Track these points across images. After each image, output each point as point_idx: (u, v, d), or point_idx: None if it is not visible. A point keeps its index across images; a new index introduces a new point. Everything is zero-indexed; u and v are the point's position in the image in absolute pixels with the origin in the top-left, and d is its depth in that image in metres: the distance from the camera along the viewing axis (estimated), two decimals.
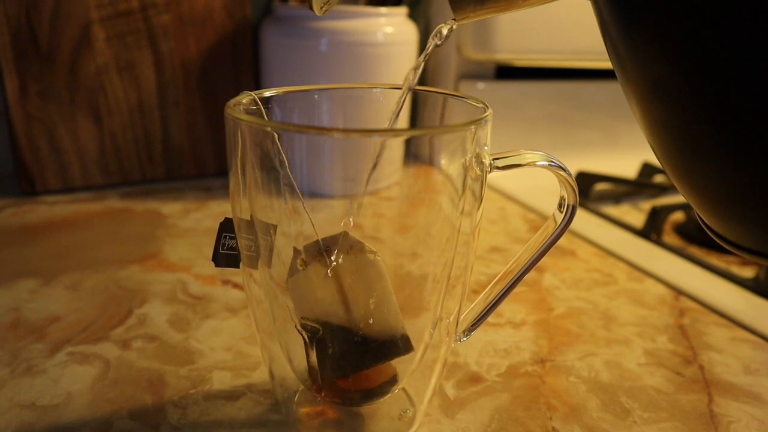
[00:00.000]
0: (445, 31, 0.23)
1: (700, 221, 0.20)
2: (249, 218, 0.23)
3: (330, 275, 0.24)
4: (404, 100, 0.25)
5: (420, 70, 0.24)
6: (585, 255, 0.48)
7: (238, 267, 0.25)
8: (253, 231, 0.23)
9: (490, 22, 0.62)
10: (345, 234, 0.24)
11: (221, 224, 0.25)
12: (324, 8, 0.26)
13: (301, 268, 0.23)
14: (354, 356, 0.25)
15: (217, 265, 0.26)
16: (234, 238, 0.24)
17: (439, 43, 0.24)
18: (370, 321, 0.25)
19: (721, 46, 0.15)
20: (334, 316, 0.24)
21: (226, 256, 0.25)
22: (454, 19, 0.23)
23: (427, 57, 0.24)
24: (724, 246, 0.20)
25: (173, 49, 0.57)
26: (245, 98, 0.24)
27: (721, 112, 0.16)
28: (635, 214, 0.61)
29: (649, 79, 0.17)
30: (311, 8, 0.26)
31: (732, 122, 0.16)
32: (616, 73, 0.20)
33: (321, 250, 0.23)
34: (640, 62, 0.17)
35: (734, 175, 0.17)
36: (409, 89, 0.24)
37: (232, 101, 0.23)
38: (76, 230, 0.49)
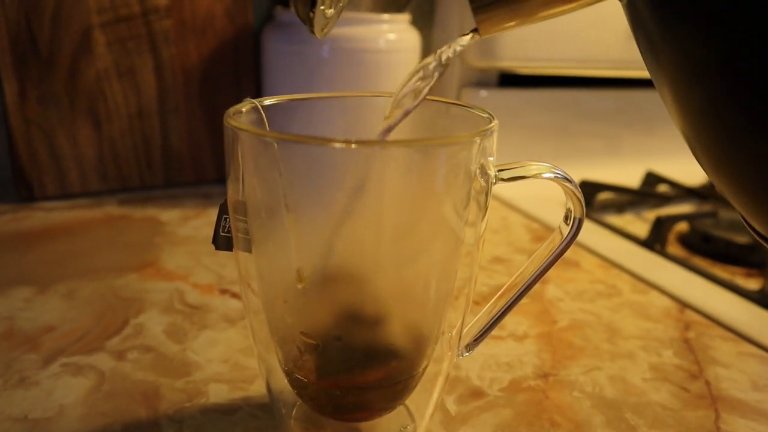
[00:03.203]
0: (464, 43, 0.23)
1: (742, 219, 0.20)
2: (243, 199, 0.22)
3: (330, 294, 0.23)
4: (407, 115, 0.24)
5: (428, 88, 0.23)
6: (588, 266, 0.47)
7: (248, 251, 0.24)
8: (246, 213, 0.22)
9: None
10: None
11: (221, 206, 0.24)
12: (325, 30, 0.25)
13: (300, 286, 0.22)
14: (354, 372, 0.24)
15: (217, 248, 0.25)
16: (243, 220, 0.23)
17: (452, 55, 0.23)
18: (372, 338, 0.24)
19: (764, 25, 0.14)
20: (334, 332, 0.24)
21: (226, 239, 0.24)
22: (476, 30, 0.22)
23: (441, 72, 0.23)
24: (764, 244, 0.19)
25: (174, 54, 0.57)
26: (246, 106, 0.24)
27: (765, 94, 0.15)
28: (639, 224, 0.60)
29: (685, 63, 0.17)
30: (312, 32, 0.25)
31: None
32: (645, 61, 0.19)
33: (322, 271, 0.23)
34: (676, 46, 0.17)
35: None
36: (414, 106, 0.24)
37: (232, 109, 0.22)
38: (73, 237, 0.48)
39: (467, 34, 0.22)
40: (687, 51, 0.16)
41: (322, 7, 0.24)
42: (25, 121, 0.53)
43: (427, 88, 0.23)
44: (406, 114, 0.23)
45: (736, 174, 0.18)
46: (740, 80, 0.15)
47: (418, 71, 0.23)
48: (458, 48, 0.23)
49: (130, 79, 0.56)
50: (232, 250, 0.25)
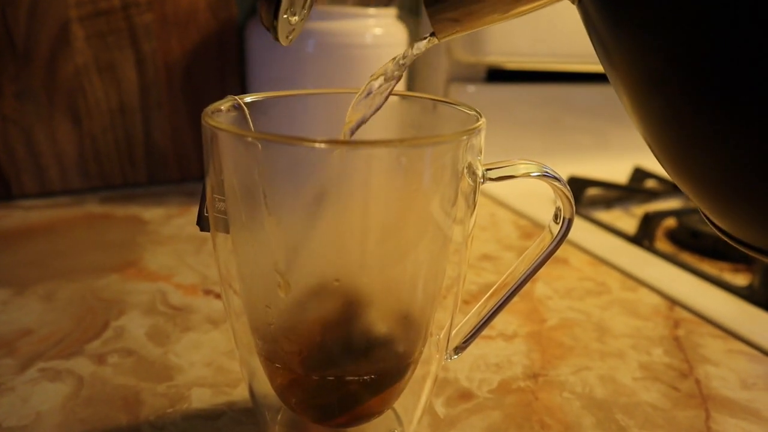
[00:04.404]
0: (422, 47, 0.22)
1: (704, 217, 0.19)
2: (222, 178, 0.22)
3: (314, 299, 0.22)
4: (376, 110, 0.24)
5: (395, 83, 0.23)
6: (577, 263, 0.47)
7: (226, 232, 0.24)
8: (224, 192, 0.22)
9: None
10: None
11: (204, 186, 0.23)
12: (290, 37, 0.25)
13: (283, 295, 0.21)
14: (338, 370, 0.24)
15: (202, 230, 0.24)
16: (221, 200, 0.23)
17: (413, 55, 0.23)
18: (358, 341, 0.23)
19: (716, 34, 0.14)
20: (319, 337, 0.23)
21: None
22: (433, 34, 0.21)
23: (401, 71, 0.23)
24: (729, 242, 0.19)
25: (156, 49, 0.55)
26: (225, 104, 0.23)
27: (721, 100, 0.15)
28: (627, 219, 0.60)
29: (640, 72, 0.16)
30: (277, 39, 0.24)
31: (733, 111, 0.15)
32: (604, 68, 0.19)
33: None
34: (627, 50, 0.16)
35: (734, 164, 0.16)
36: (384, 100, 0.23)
37: (210, 108, 0.22)
38: (53, 237, 0.47)
39: (424, 38, 0.22)
40: (639, 55, 0.16)
41: (285, 15, 0.24)
42: (2, 118, 0.52)
43: (388, 92, 0.23)
44: (372, 113, 0.23)
45: (696, 175, 0.18)
46: (695, 83, 0.15)
47: (376, 77, 0.23)
48: (415, 52, 0.23)
49: (110, 74, 0.54)
50: (217, 232, 0.24)
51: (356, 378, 0.24)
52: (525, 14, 0.20)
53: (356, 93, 0.26)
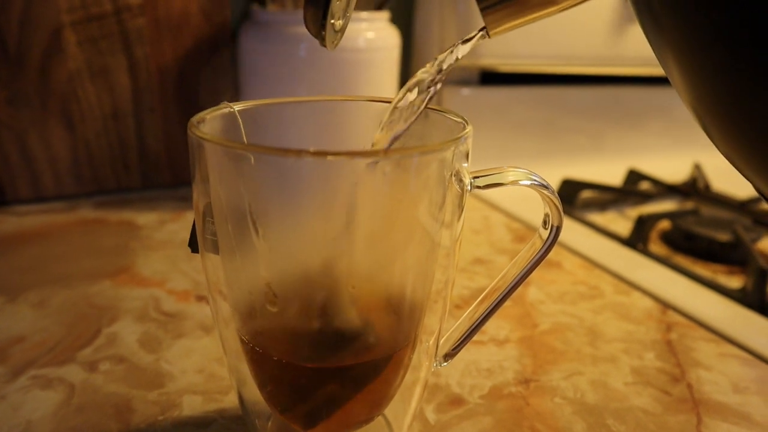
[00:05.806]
0: (468, 47, 0.22)
1: (759, 193, 0.19)
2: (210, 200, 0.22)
3: (302, 310, 0.22)
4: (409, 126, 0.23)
5: (431, 95, 0.22)
6: (571, 266, 0.47)
7: (216, 253, 0.24)
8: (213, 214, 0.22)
9: (473, 27, 0.61)
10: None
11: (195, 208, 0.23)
12: (335, 42, 0.25)
13: (273, 310, 0.21)
14: (330, 387, 0.24)
15: (193, 251, 0.24)
16: (212, 222, 0.23)
17: (454, 62, 0.22)
18: (347, 349, 0.23)
19: None
20: (307, 348, 0.23)
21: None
22: (484, 29, 0.21)
23: (441, 80, 0.22)
24: None
25: (148, 54, 0.55)
26: (215, 112, 0.23)
27: None
28: (621, 221, 0.60)
29: (690, 27, 0.16)
30: (324, 45, 0.24)
31: None
32: (647, 35, 0.18)
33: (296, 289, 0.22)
34: (678, 10, 0.16)
35: None
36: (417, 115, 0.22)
37: (196, 117, 0.22)
38: (46, 242, 0.47)
39: (473, 36, 0.22)
40: (690, 14, 0.16)
41: (332, 21, 0.23)
42: None
43: (428, 99, 0.22)
44: (406, 129, 0.22)
45: (752, 139, 0.17)
46: (747, 39, 0.15)
47: (416, 82, 0.22)
48: (461, 53, 0.22)
49: (103, 79, 0.54)
50: (208, 253, 0.24)
51: (343, 371, 0.23)
52: (577, 5, 0.20)
53: (349, 100, 0.26)
